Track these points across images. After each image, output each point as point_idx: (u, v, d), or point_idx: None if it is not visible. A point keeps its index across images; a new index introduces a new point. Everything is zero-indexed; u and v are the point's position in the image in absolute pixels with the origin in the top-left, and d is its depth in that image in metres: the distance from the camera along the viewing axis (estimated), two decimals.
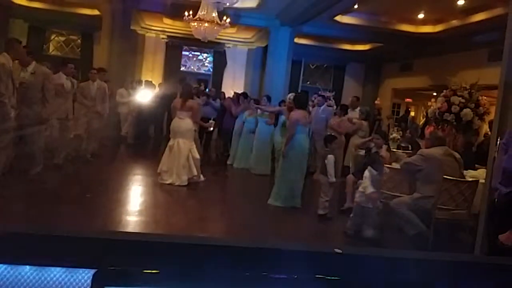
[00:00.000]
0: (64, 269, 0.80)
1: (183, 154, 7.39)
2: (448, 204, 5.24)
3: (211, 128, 9.29)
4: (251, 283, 0.85)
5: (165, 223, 5.51)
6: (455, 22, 12.52)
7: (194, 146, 7.62)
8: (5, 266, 0.79)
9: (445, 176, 5.16)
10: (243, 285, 0.84)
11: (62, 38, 17.89)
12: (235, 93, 11.98)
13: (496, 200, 3.83)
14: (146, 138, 11.54)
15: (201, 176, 7.72)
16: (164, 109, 11.14)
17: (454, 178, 5.22)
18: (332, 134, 7.56)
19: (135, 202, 6.58)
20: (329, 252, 0.94)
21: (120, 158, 10.76)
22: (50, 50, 17.71)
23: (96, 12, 14.48)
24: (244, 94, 11.20)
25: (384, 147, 6.66)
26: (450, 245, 5.20)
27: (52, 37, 17.81)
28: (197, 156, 7.61)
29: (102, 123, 8.90)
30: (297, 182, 6.70)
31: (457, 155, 5.40)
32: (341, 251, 0.91)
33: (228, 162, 10.33)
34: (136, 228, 5.06)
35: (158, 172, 7.50)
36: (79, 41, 17.79)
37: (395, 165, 6.12)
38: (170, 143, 7.53)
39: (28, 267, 0.79)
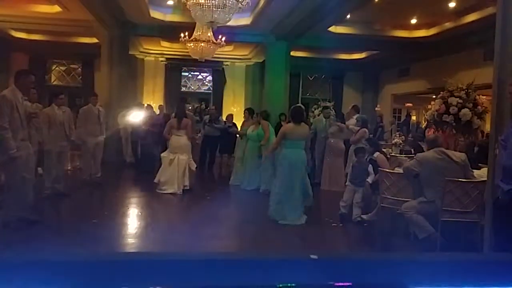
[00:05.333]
0: None
1: (181, 167, 8.39)
2: (454, 206, 5.22)
3: (198, 142, 9.85)
4: None
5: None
6: (448, 24, 12.63)
7: (192, 159, 8.73)
8: None
9: (448, 179, 5.16)
10: None
11: (63, 68, 18.17)
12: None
13: (499, 197, 3.84)
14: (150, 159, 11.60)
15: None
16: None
17: (455, 179, 5.21)
18: (361, 146, 7.57)
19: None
20: (340, 258, 0.95)
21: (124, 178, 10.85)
22: (52, 80, 17.95)
23: (94, 40, 14.70)
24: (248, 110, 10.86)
25: (377, 153, 6.74)
26: (459, 247, 5.19)
27: (53, 67, 18.09)
28: (194, 168, 8.76)
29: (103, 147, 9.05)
30: (287, 198, 6.48)
31: (456, 156, 5.40)
32: (316, 257, 0.89)
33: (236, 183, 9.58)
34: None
35: (155, 182, 8.37)
36: (79, 69, 18.03)
37: (398, 170, 6.15)
38: (171, 157, 8.45)
39: None
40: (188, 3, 8.67)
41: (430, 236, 5.25)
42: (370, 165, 6.56)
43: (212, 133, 11.09)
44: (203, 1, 8.33)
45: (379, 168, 6.23)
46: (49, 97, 13.15)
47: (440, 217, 5.22)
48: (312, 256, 0.89)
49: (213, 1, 8.29)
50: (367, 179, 6.50)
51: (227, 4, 8.37)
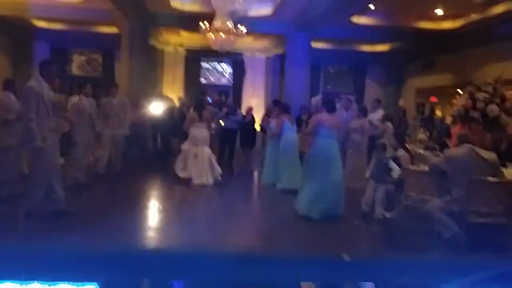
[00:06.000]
0: (70, 284, 0.86)
1: (206, 159, 8.62)
2: (480, 207, 5.01)
3: (213, 132, 9.82)
4: None
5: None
6: (475, 16, 12.24)
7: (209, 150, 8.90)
8: (14, 283, 0.86)
9: (475, 178, 4.95)
10: None
11: (84, 58, 18.22)
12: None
13: None
14: (168, 150, 11.55)
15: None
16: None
17: (481, 179, 4.99)
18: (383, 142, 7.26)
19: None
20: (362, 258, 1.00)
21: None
22: (73, 70, 18.05)
23: (115, 30, 14.70)
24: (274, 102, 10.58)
25: (401, 151, 6.51)
26: (485, 248, 4.98)
27: (74, 57, 18.16)
28: (215, 157, 9.02)
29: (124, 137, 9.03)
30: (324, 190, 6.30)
31: (486, 154, 5.16)
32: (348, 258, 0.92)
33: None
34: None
35: (186, 177, 8.46)
36: (100, 59, 18.08)
37: (423, 168, 5.95)
38: (194, 150, 8.62)
39: (37, 283, 0.85)
40: None
41: (455, 236, 5.06)
42: (390, 161, 6.36)
43: (230, 125, 10.95)
44: None
45: (403, 166, 6.03)
46: (70, 87, 13.26)
47: (465, 217, 5.03)
48: (345, 257, 0.94)
49: None
50: (392, 174, 6.29)
51: None
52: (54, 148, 5.60)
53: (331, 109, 6.57)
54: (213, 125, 9.90)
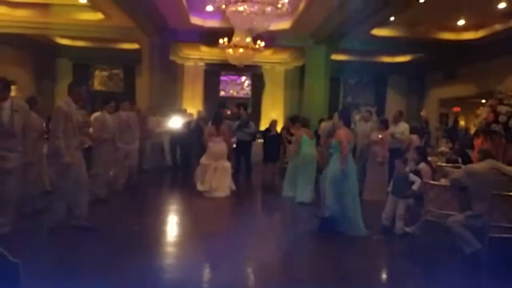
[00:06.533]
0: None
1: (227, 173, 8.79)
2: (502, 222, 4.89)
3: (234, 145, 9.88)
4: None
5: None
6: (497, 26, 12.07)
7: (229, 164, 9.03)
8: None
9: (496, 192, 4.83)
10: None
11: (105, 73, 18.57)
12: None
13: None
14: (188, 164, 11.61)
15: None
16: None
17: (503, 193, 4.87)
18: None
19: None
20: None
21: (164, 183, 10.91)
22: (95, 85, 18.39)
23: (136, 46, 14.95)
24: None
25: (423, 164, 6.36)
26: (508, 265, 4.85)
27: (96, 72, 18.52)
28: (232, 171, 9.17)
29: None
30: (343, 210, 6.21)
31: (509, 170, 5.04)
32: None
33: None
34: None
35: (206, 190, 8.58)
36: (121, 74, 18.40)
37: (444, 182, 5.83)
38: (213, 165, 8.70)
39: None
40: (227, 10, 8.61)
41: (477, 252, 4.95)
42: (411, 174, 6.25)
43: (242, 138, 10.88)
44: (242, 9, 8.23)
45: (423, 181, 5.92)
46: (92, 102, 13.50)
47: (487, 232, 4.91)
48: None
49: (252, 8, 8.18)
50: (413, 187, 6.18)
51: (266, 11, 8.25)
52: (80, 165, 5.75)
53: (347, 123, 6.49)
54: (233, 139, 9.92)
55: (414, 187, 6.14)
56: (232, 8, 8.50)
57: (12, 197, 5.40)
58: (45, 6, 12.43)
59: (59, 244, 5.26)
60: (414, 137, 8.84)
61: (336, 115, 7.13)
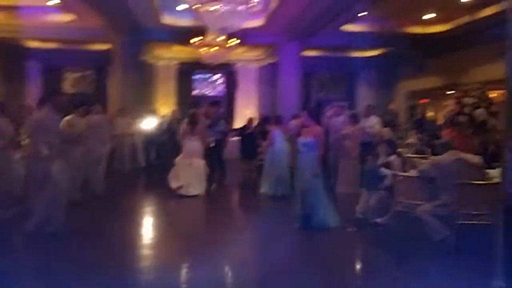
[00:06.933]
0: None
1: (200, 170, 8.78)
2: (468, 209, 5.12)
3: (212, 144, 9.70)
4: None
5: None
6: (463, 19, 12.38)
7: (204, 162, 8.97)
8: None
9: (462, 181, 5.05)
10: None
11: (77, 75, 18.28)
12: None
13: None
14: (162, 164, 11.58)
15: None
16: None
17: (468, 182, 5.10)
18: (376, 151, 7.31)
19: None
20: None
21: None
22: (67, 88, 18.06)
23: (107, 46, 14.80)
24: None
25: (393, 156, 6.55)
26: (474, 250, 5.06)
27: (67, 74, 18.23)
28: (207, 170, 9.03)
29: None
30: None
31: (471, 159, 5.28)
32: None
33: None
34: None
35: (179, 187, 8.55)
36: (93, 76, 18.17)
37: (412, 173, 6.03)
38: (187, 162, 8.75)
39: None
40: (199, 10, 8.62)
41: (445, 239, 5.17)
42: (382, 168, 6.43)
43: (212, 136, 10.84)
44: (213, 9, 8.26)
45: (392, 172, 6.12)
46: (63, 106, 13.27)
47: (455, 219, 5.13)
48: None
49: (224, 8, 8.23)
50: (385, 181, 6.36)
51: (237, 11, 8.30)
52: (63, 174, 5.77)
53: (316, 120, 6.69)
54: (211, 139, 9.74)
55: (386, 181, 6.32)
56: (205, 7, 8.50)
57: None
58: (14, 8, 12.18)
59: (35, 248, 5.24)
60: (385, 130, 9.05)
61: (305, 114, 7.29)
